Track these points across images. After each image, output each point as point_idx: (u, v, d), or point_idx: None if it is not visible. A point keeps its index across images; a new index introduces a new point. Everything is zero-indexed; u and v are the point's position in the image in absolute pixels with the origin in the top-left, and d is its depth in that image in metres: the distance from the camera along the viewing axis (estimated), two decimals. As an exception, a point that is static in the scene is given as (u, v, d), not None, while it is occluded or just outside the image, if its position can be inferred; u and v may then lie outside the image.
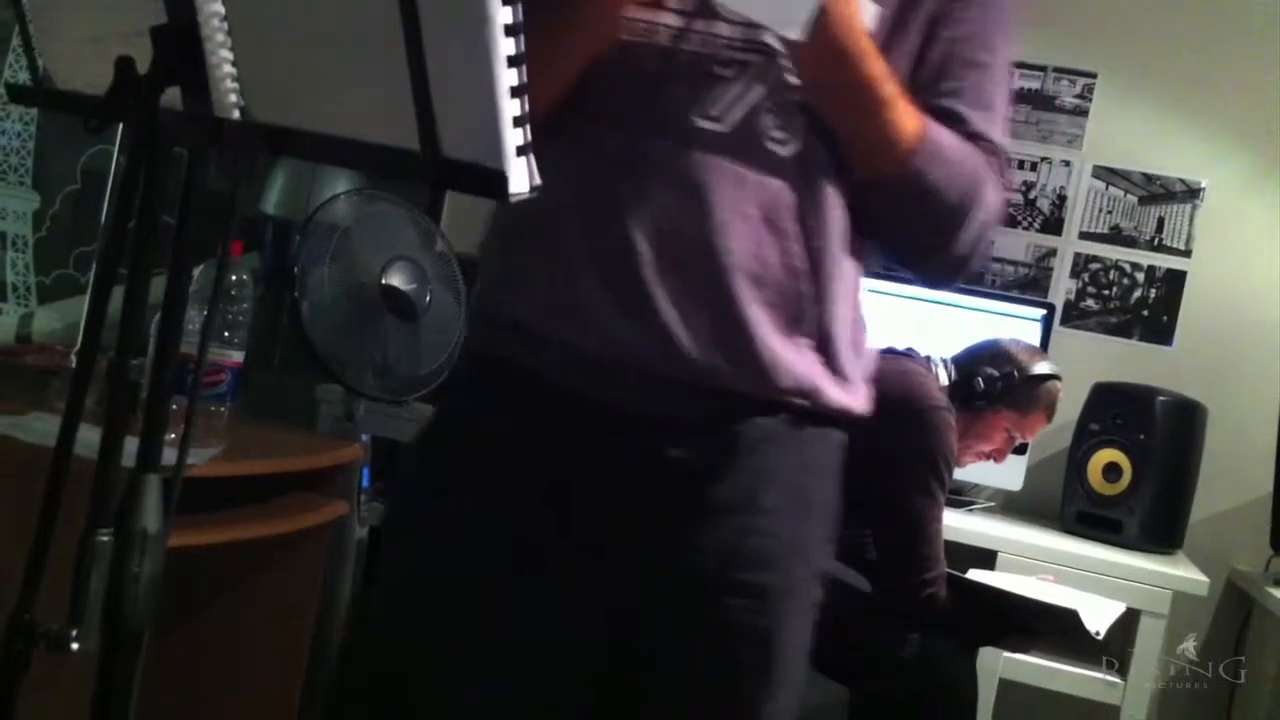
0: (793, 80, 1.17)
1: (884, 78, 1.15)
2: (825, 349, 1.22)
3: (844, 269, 1.23)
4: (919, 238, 1.26)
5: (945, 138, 1.21)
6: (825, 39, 1.09)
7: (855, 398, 1.26)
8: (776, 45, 1.15)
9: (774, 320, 1.18)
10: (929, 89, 1.23)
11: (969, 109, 1.24)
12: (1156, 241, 3.40)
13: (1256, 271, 3.32)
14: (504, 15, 0.79)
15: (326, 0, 0.89)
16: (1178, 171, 3.38)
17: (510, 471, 1.22)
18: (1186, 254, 3.37)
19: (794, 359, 1.19)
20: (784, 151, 1.18)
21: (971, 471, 2.89)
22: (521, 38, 0.81)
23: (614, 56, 1.17)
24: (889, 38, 1.20)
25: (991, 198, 1.24)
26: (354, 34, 0.87)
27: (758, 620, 1.21)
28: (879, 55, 1.14)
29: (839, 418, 1.26)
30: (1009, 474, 3.11)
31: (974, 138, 1.24)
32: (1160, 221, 3.40)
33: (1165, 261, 3.39)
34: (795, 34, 1.07)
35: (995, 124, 1.26)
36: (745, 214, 1.16)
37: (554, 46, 1.12)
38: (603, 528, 1.21)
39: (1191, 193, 3.37)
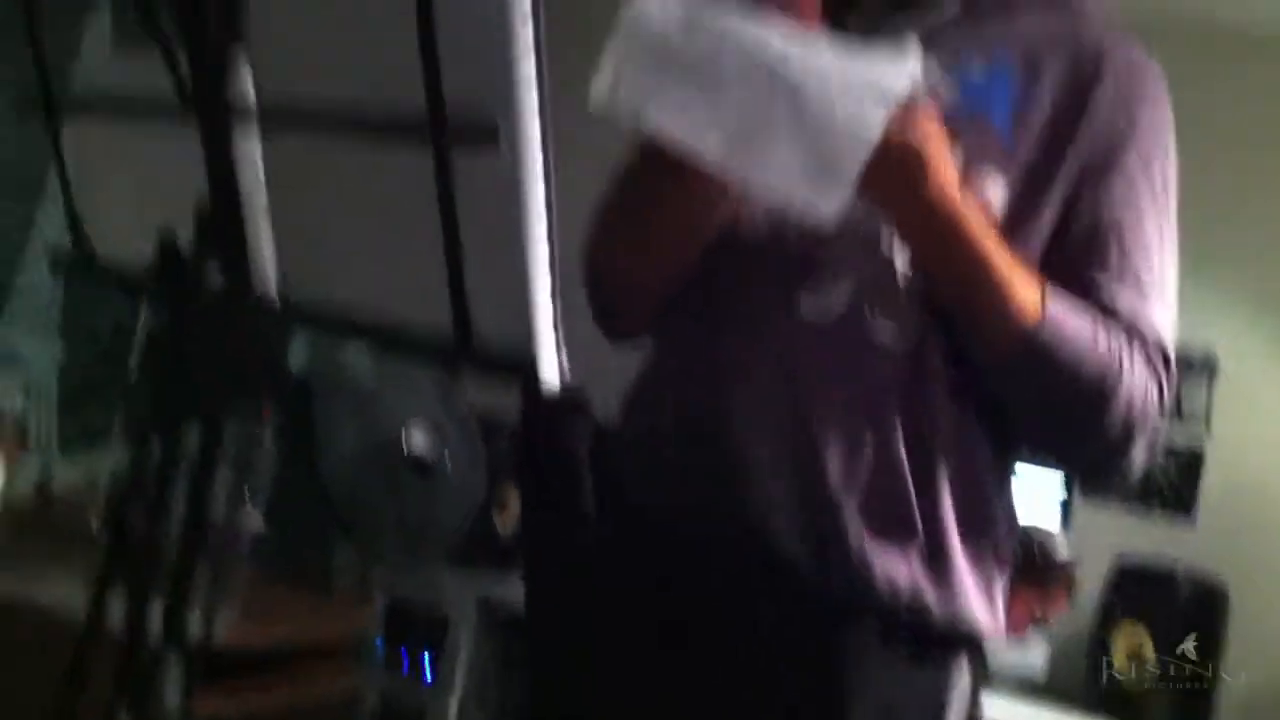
0: (894, 260, 1.10)
1: (995, 248, 1.05)
2: (934, 553, 1.10)
3: (960, 467, 1.12)
4: (1053, 428, 1.14)
5: (1071, 315, 1.09)
6: (922, 204, 1.01)
7: (976, 611, 1.13)
8: (878, 222, 1.07)
9: (870, 522, 1.08)
10: (1070, 266, 1.13)
11: (1105, 277, 1.13)
12: (1176, 414, 3.39)
13: (1276, 445, 3.30)
14: (539, 193, 0.80)
15: (366, 186, 0.91)
16: (1194, 344, 3.39)
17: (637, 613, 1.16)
18: (1205, 427, 3.36)
19: (892, 563, 1.08)
20: (886, 339, 1.10)
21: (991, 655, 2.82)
22: (555, 213, 0.82)
23: (725, 239, 1.13)
24: (1015, 217, 1.12)
25: (1134, 381, 1.09)
26: (392, 220, 0.89)
27: None
28: (988, 225, 1.06)
29: (952, 637, 1.12)
30: (1030, 655, 3.05)
31: (1108, 311, 1.11)
32: (1178, 394, 3.39)
33: (1185, 436, 3.37)
34: (827, 213, 0.93)
35: (1141, 299, 1.14)
36: (843, 414, 1.09)
37: (667, 220, 1.12)
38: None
39: (1208, 366, 3.38)
